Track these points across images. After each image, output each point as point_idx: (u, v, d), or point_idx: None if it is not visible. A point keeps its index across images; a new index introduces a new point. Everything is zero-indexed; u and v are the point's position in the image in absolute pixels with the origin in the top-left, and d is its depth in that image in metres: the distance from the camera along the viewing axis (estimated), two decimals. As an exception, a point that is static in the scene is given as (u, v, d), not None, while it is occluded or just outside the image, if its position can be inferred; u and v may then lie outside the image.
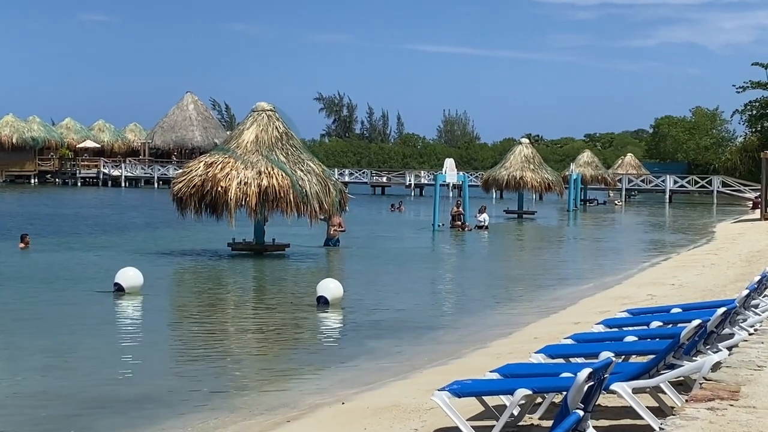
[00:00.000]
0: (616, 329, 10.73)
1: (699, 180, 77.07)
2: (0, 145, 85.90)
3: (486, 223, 39.74)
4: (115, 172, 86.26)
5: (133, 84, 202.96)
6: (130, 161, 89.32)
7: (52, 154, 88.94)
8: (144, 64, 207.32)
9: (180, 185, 26.60)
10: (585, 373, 5.60)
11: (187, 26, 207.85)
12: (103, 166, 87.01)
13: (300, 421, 9.41)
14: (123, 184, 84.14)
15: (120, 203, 59.43)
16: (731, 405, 5.86)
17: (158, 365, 12.64)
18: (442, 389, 7.29)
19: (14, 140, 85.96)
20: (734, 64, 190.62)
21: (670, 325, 10.57)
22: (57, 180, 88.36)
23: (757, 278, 11.56)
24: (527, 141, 58.76)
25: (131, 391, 10.93)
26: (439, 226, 38.67)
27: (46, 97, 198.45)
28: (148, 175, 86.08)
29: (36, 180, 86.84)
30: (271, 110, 27.83)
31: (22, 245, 27.04)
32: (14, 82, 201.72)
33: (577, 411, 5.57)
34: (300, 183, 26.19)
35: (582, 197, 69.30)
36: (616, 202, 74.20)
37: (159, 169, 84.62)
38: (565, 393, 5.84)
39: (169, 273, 23.19)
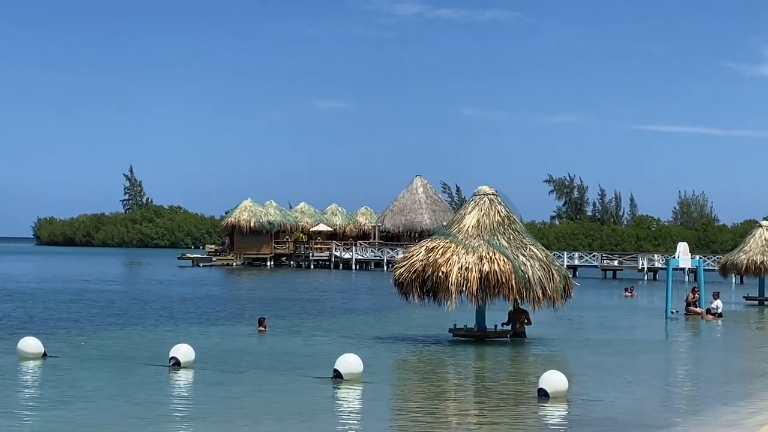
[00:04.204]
0: None
1: None
2: (239, 228, 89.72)
3: (720, 311, 37.65)
4: (346, 255, 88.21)
5: (365, 168, 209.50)
6: (360, 244, 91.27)
7: (287, 237, 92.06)
8: (376, 149, 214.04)
9: (401, 270, 26.58)
10: None
11: (419, 111, 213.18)
12: (335, 248, 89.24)
13: None
14: (353, 267, 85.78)
15: (349, 286, 60.45)
16: None
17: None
18: None
19: (252, 224, 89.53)
20: None
21: None
22: (291, 263, 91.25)
23: None
24: (768, 223, 55.81)
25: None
26: (672, 313, 36.95)
27: (282, 182, 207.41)
28: (378, 257, 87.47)
29: (272, 262, 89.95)
30: (492, 194, 27.48)
31: (261, 328, 28.51)
32: (254, 169, 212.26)
33: None
34: (522, 268, 25.59)
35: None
36: None
37: (388, 252, 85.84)
38: None
39: (390, 359, 23.05)
